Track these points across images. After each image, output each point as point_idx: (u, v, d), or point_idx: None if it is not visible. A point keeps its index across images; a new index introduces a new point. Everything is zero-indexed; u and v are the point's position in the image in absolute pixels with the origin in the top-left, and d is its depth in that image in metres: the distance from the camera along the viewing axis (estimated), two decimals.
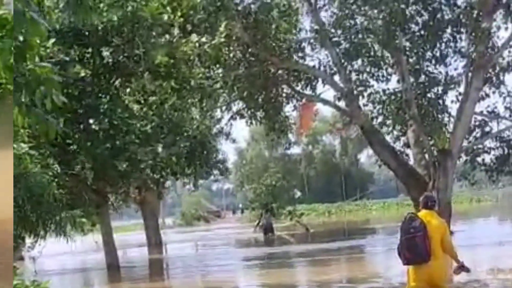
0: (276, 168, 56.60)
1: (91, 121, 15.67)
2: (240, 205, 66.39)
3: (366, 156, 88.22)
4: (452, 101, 21.36)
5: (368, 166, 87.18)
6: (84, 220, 11.45)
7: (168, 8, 15.10)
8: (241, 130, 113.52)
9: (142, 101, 17.68)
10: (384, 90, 21.35)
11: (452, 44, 20.91)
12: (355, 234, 26.21)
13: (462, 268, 8.67)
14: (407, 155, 23.34)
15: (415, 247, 8.14)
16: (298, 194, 61.95)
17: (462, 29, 20.75)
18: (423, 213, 8.47)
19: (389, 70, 21.42)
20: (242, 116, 22.67)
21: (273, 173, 43.79)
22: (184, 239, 34.23)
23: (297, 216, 37.07)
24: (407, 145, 23.21)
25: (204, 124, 22.57)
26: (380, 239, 20.17)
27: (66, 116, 14.90)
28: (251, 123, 22.59)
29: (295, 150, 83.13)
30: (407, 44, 20.37)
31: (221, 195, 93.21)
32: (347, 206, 65.39)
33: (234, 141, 34.28)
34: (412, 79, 20.67)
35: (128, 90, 17.17)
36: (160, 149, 15.25)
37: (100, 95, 15.76)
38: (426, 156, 21.00)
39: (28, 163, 10.42)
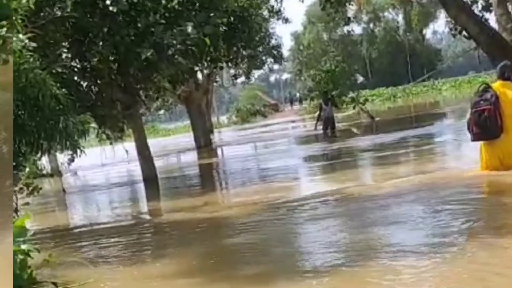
0: (336, 51, 52.91)
1: (107, 2, 12.87)
2: (297, 95, 63.12)
3: (431, 32, 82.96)
4: None
5: (435, 42, 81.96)
6: (93, 124, 8.93)
7: None
8: (297, 13, 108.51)
9: None
10: None
11: None
12: (425, 121, 23.03)
13: None
14: (486, 20, 20.11)
15: (484, 121, 7.72)
16: (361, 79, 58.25)
17: None
18: (498, 84, 7.96)
19: None
20: None
21: (333, 57, 40.08)
22: (238, 139, 31.37)
23: (360, 102, 33.52)
24: (485, 8, 19.83)
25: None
26: (452, 125, 17.29)
27: None
28: None
29: (356, 30, 78.97)
30: None
31: (279, 87, 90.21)
32: (414, 89, 61.15)
33: (286, 20, 30.94)
34: None
35: None
36: (190, 29, 12.22)
37: None
38: None
39: (20, 57, 7.79)
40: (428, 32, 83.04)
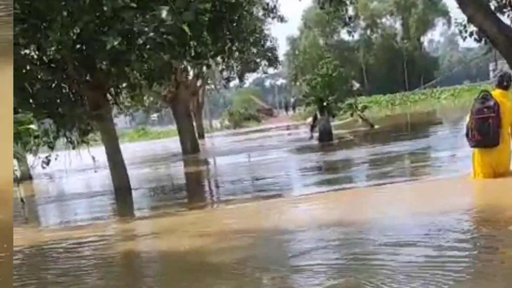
0: (332, 57, 51.16)
1: None
2: (292, 99, 61.34)
3: (428, 41, 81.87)
4: None
5: (431, 51, 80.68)
6: (33, 127, 7.12)
7: None
8: (293, 16, 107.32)
9: None
10: None
11: None
12: (425, 131, 21.27)
13: None
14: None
15: (488, 129, 7.78)
16: (357, 85, 56.51)
17: None
18: (497, 93, 7.98)
19: None
20: None
21: (330, 61, 38.23)
22: (229, 146, 29.00)
23: (359, 110, 31.66)
24: (498, 9, 18.01)
25: None
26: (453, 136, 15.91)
27: None
28: None
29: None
30: None
31: (274, 92, 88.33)
32: (412, 96, 59.58)
33: (282, 19, 29.37)
34: None
35: None
36: (165, 14, 10.13)
37: None
38: None
39: None
40: (426, 39, 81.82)
